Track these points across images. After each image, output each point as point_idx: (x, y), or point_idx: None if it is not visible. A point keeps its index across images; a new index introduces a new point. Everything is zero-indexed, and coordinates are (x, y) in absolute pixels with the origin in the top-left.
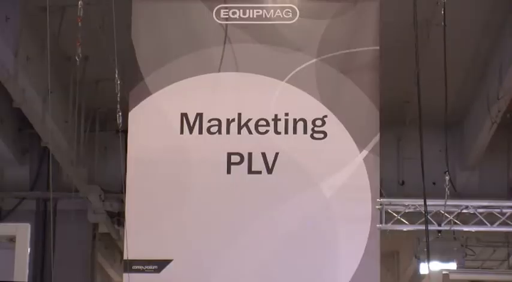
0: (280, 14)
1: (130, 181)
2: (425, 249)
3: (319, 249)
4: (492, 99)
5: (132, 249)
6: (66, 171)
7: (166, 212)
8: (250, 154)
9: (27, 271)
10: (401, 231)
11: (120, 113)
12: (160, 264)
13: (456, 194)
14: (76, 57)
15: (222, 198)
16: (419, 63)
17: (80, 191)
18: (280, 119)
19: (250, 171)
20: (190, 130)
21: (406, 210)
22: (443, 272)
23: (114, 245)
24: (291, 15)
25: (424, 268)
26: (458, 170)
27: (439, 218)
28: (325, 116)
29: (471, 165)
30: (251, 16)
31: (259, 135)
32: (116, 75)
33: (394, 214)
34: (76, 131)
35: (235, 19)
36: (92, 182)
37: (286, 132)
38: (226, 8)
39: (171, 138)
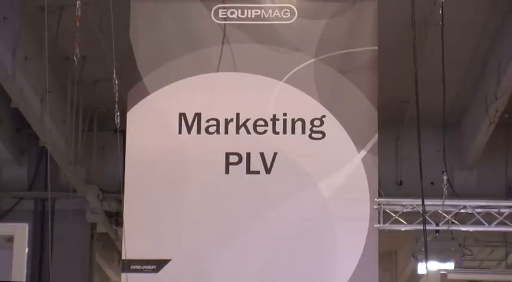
0: (278, 14)
1: (128, 181)
2: (423, 249)
3: (318, 249)
4: (490, 99)
5: (130, 249)
6: (64, 171)
7: (164, 212)
8: (248, 154)
9: (25, 271)
10: (399, 231)
11: (118, 113)
12: (159, 264)
13: (454, 194)
14: (74, 57)
15: (220, 198)
16: (417, 63)
17: (78, 190)
18: (278, 119)
19: (248, 171)
20: (189, 130)
21: (404, 210)
22: (441, 272)
23: (112, 245)
24: (289, 15)
25: (422, 268)
26: (457, 169)
27: (437, 217)
28: (324, 116)
29: (469, 165)
30: (249, 16)
31: (258, 135)
32: (114, 75)
33: (392, 214)
34: (74, 130)
35: (233, 19)
36: (90, 181)
37: (284, 132)
38: (224, 8)
39: (169, 138)
